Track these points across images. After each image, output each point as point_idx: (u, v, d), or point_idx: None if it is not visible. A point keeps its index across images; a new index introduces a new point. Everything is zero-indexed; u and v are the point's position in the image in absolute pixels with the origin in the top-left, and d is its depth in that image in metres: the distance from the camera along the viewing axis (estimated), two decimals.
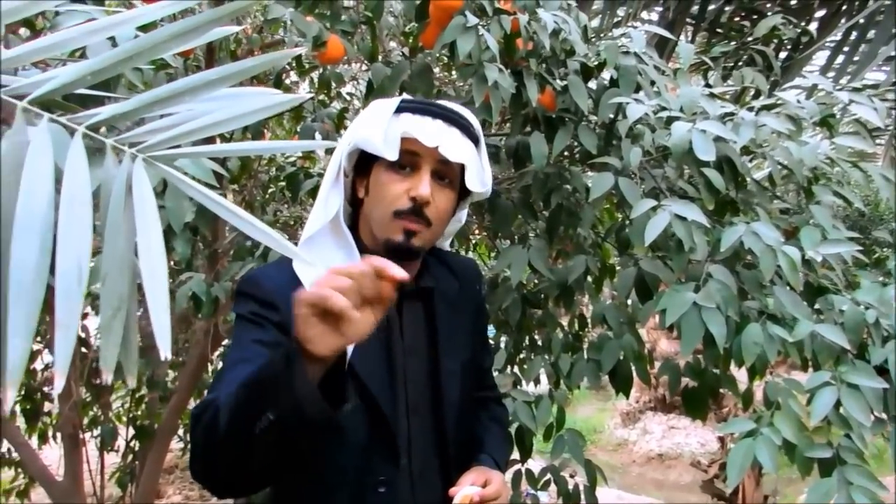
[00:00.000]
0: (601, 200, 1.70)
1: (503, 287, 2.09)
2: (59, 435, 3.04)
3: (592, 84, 1.88)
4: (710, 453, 5.70)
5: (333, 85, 2.71)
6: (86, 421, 3.25)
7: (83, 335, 2.96)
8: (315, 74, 2.44)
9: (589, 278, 2.10)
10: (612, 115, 1.79)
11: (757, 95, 1.99)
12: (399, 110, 1.13)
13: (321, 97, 2.68)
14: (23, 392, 3.41)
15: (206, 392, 1.16)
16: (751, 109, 1.64)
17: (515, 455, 2.11)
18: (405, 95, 1.15)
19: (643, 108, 1.55)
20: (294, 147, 0.98)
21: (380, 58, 2.19)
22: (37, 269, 0.50)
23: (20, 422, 3.49)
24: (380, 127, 1.10)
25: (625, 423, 6.77)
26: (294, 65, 2.14)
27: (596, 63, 1.85)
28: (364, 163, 1.18)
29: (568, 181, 1.94)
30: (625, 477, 5.87)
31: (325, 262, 1.10)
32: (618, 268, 2.34)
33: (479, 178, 1.18)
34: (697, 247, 1.45)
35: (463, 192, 1.23)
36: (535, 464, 2.25)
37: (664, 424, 6.55)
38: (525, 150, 1.98)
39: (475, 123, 1.19)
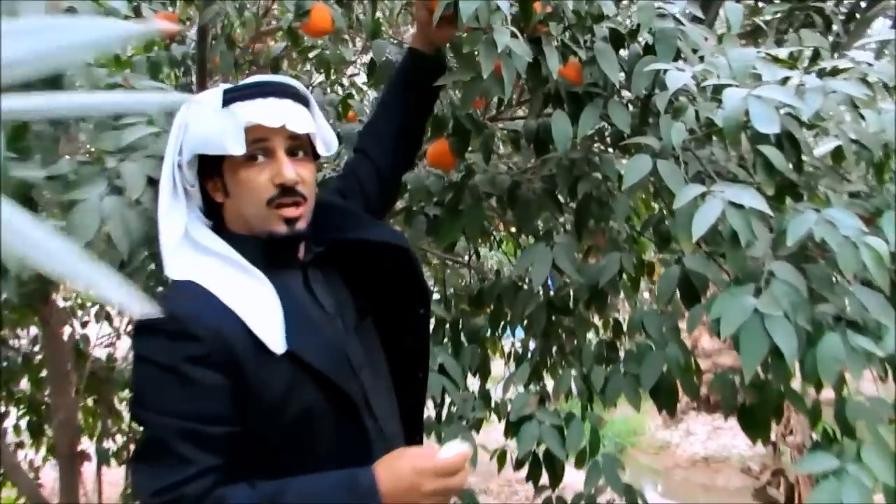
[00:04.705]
0: (637, 188, 1.44)
1: (525, 291, 1.84)
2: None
3: (624, 54, 1.62)
4: (761, 456, 5.35)
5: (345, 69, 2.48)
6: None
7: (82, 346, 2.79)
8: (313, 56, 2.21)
9: (624, 277, 1.84)
10: (647, 90, 1.53)
11: (814, 61, 1.70)
12: (226, 102, 1.09)
13: (319, 81, 2.45)
14: (27, 405, 3.29)
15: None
16: (816, 74, 1.36)
17: (545, 481, 1.89)
18: (223, 86, 1.12)
19: (686, 75, 1.29)
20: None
21: (384, 35, 1.95)
22: None
23: (25, 436, 3.36)
24: (215, 126, 1.06)
25: (666, 424, 6.44)
26: (290, 42, 1.91)
27: (628, 30, 1.59)
28: (209, 166, 1.10)
29: (597, 167, 1.69)
30: (668, 481, 5.57)
31: (202, 271, 1.05)
32: (658, 266, 2.08)
33: (325, 142, 1.19)
34: (758, 240, 1.18)
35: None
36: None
37: (709, 425, 6.21)
38: (547, 133, 1.72)
39: (300, 86, 1.17)
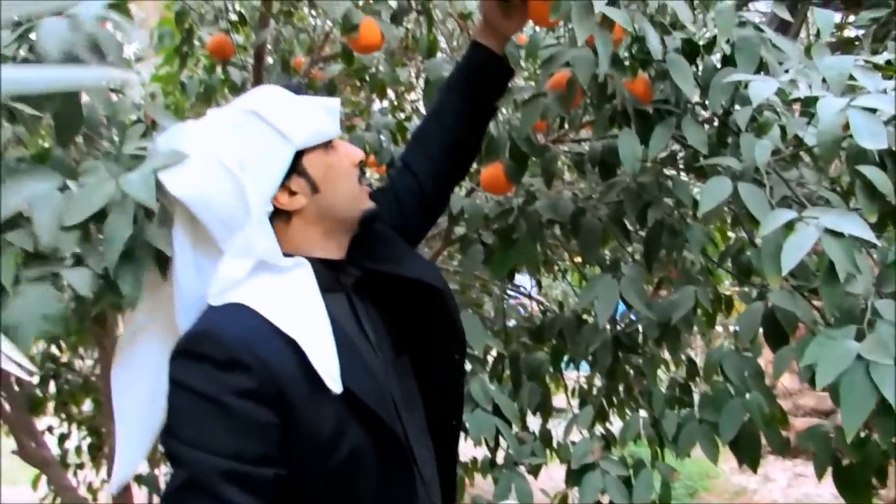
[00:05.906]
0: (714, 214, 1.30)
1: (589, 326, 1.70)
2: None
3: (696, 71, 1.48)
4: None
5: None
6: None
7: None
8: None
9: (698, 313, 1.68)
10: (725, 106, 1.39)
11: None
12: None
13: (380, 108, 2.39)
14: (88, 427, 3.31)
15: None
16: None
17: None
18: (263, 87, 1.09)
19: (771, 85, 1.14)
20: None
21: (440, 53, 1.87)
22: None
23: (85, 458, 3.37)
24: (314, 113, 1.04)
25: (742, 469, 6.05)
26: (344, 63, 1.84)
27: (704, 43, 1.45)
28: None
29: (669, 192, 1.54)
30: None
31: (253, 290, 0.95)
32: (736, 300, 1.90)
33: None
34: (861, 274, 1.02)
35: None
36: None
37: (789, 471, 5.79)
38: (613, 154, 1.59)
39: None
